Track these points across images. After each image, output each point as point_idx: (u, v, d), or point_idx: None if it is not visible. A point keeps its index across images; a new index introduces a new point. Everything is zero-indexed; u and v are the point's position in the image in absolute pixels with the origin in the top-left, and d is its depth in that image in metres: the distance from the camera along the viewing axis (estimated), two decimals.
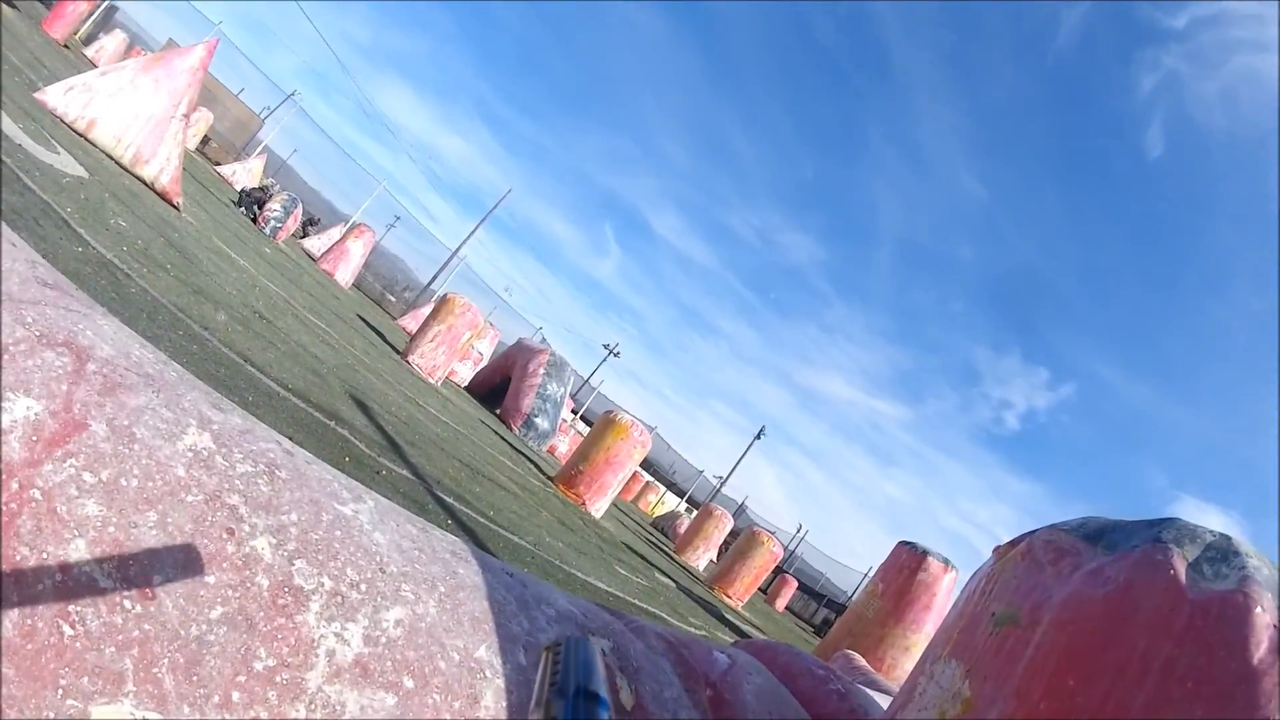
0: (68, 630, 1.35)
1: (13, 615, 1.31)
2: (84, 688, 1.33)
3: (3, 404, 1.43)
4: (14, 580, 1.32)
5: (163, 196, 10.73)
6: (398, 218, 55.19)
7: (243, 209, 26.64)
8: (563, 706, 0.62)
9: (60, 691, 1.31)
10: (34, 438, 1.44)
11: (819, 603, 60.06)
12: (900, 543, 10.65)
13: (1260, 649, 1.58)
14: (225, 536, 1.57)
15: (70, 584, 1.37)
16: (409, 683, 1.70)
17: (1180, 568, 1.74)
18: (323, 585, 1.67)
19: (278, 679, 1.52)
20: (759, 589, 27.49)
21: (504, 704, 1.87)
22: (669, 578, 13.79)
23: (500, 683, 1.89)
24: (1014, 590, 2.01)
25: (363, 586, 1.75)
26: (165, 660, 1.41)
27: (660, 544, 24.08)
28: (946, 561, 10.20)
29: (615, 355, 69.14)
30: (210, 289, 7.66)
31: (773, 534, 21.74)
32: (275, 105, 53.74)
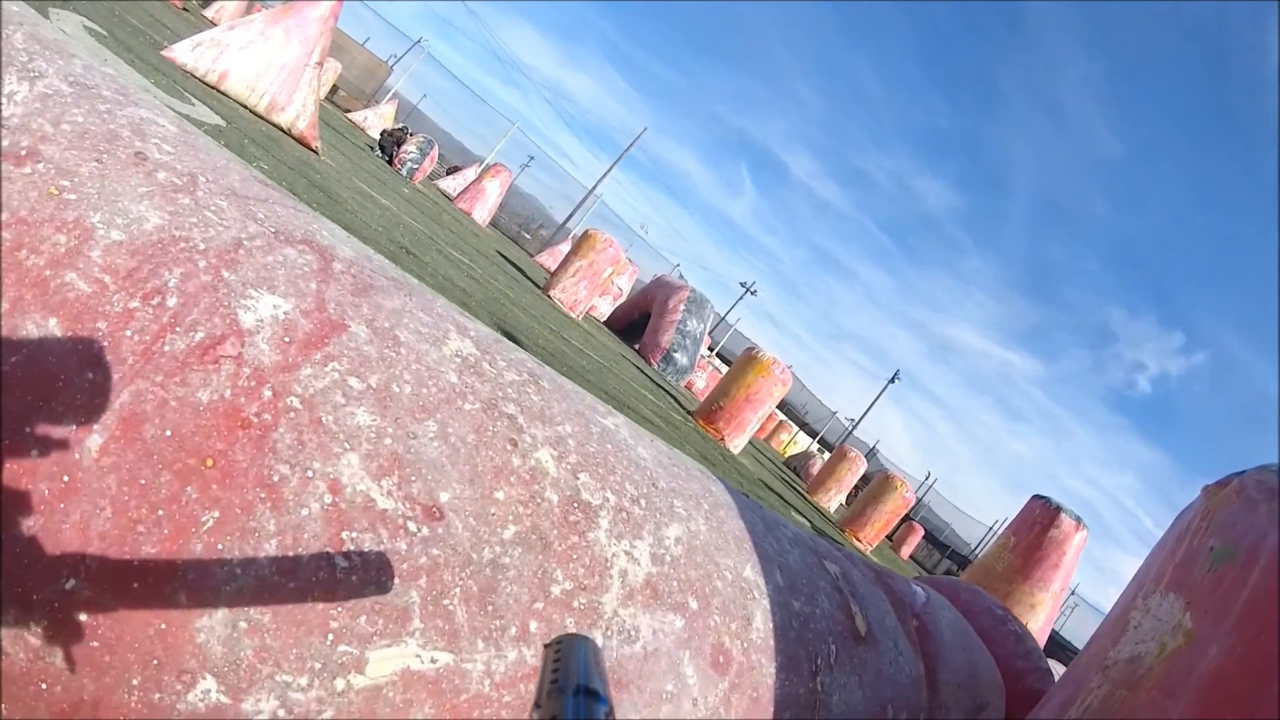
0: (341, 562, 1.19)
1: (270, 548, 1.15)
2: (360, 629, 1.18)
3: (243, 300, 1.28)
4: (271, 505, 1.16)
5: (301, 141, 10.79)
6: (531, 158, 55.68)
7: (382, 151, 26.91)
8: (564, 704, 0.63)
9: (330, 636, 1.16)
10: (287, 339, 1.28)
11: (942, 553, 59.88)
12: (1034, 496, 10.43)
13: None
14: (509, 448, 1.44)
15: (343, 506, 1.22)
16: (693, 604, 1.61)
17: None
18: (608, 501, 1.55)
19: (575, 604, 1.40)
20: (886, 536, 27.40)
21: (770, 625, 1.79)
22: (804, 517, 13.72)
23: (766, 604, 1.81)
24: (1230, 528, 1.96)
25: (642, 502, 1.63)
26: (457, 589, 1.27)
27: (794, 483, 24.09)
28: (1079, 520, 9.96)
29: (752, 294, 69.06)
30: (357, 226, 7.67)
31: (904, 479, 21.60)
32: (403, 53, 54.28)
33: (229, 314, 1.25)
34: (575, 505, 1.47)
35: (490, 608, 1.29)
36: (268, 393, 1.22)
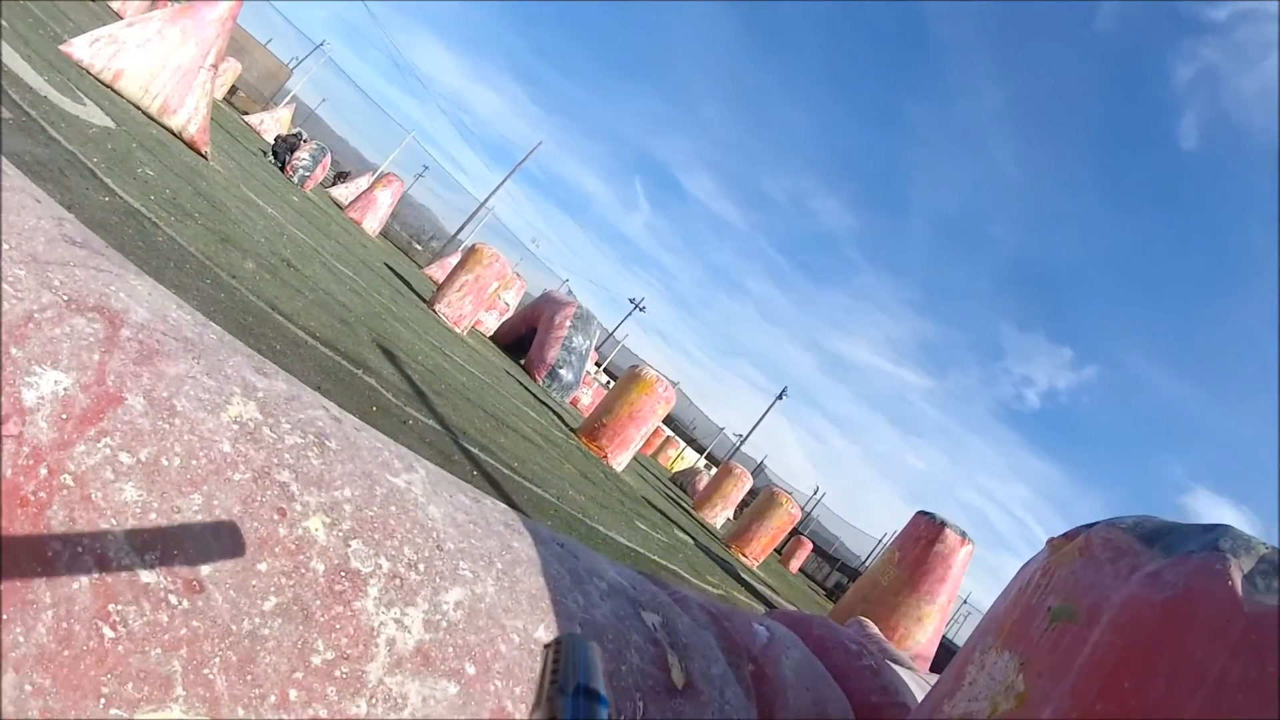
0: (108, 632, 1.23)
1: (47, 618, 1.19)
2: (128, 694, 1.22)
3: (27, 379, 1.31)
4: (46, 579, 1.20)
5: (190, 146, 10.69)
6: (426, 168, 55.36)
7: (275, 158, 26.64)
8: (564, 705, 0.63)
9: (103, 700, 1.20)
10: (64, 415, 1.31)
11: (832, 566, 60.41)
12: (919, 512, 10.62)
13: None
14: (276, 518, 1.46)
15: (109, 580, 1.25)
16: (471, 669, 1.62)
17: (1237, 578, 1.73)
18: (380, 567, 1.57)
19: (337, 673, 1.41)
20: (775, 549, 27.54)
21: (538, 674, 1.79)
22: (688, 534, 13.83)
23: None
24: (1072, 586, 1.99)
25: (421, 566, 1.65)
26: (216, 659, 1.30)
27: (679, 500, 24.21)
28: (964, 534, 10.17)
29: (641, 310, 69.26)
30: (238, 237, 7.61)
31: (790, 495, 21.76)
32: (304, 56, 53.79)
33: (14, 393, 1.28)
34: (343, 574, 1.49)
35: (249, 677, 1.32)
36: (44, 471, 1.25)
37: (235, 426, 1.52)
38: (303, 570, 1.44)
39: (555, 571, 2.02)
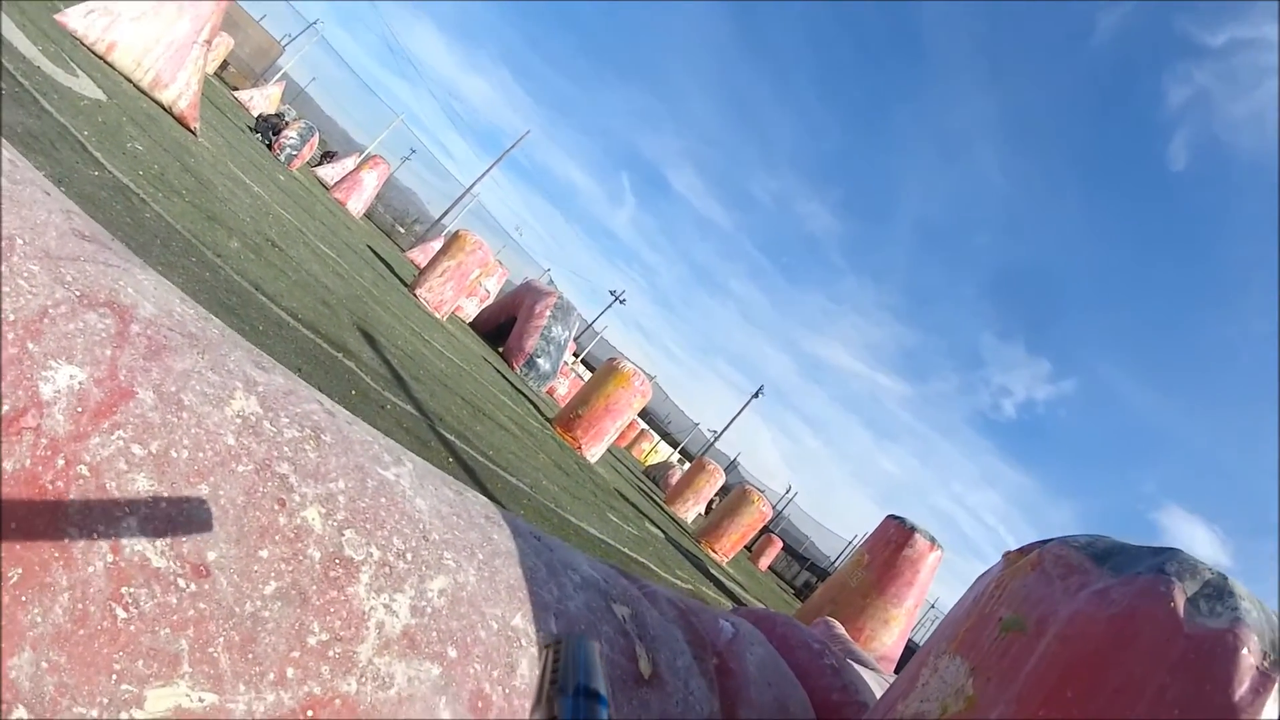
0: (121, 613, 1.31)
1: (64, 600, 1.27)
2: (138, 671, 1.30)
3: (44, 373, 1.38)
4: (63, 563, 1.28)
5: (180, 121, 10.68)
6: (413, 151, 55.04)
7: (259, 135, 26.53)
8: (564, 705, 0.63)
9: (114, 676, 1.28)
10: (79, 409, 1.39)
11: (802, 565, 60.40)
12: (889, 516, 10.64)
13: (1243, 688, 1.66)
14: (277, 508, 1.55)
15: (123, 564, 1.34)
16: (452, 653, 1.70)
17: (1180, 601, 1.79)
18: (371, 555, 1.65)
19: (330, 653, 1.50)
20: (745, 546, 27.55)
21: (538, 673, 1.83)
22: (658, 528, 13.87)
23: (534, 651, 1.90)
24: (1023, 598, 2.04)
25: (408, 556, 1.73)
26: (221, 639, 1.39)
27: (651, 493, 24.26)
28: (933, 540, 10.21)
29: (621, 302, 68.89)
30: (224, 215, 7.65)
31: (762, 493, 21.78)
32: (297, 33, 53.45)
33: (31, 386, 1.35)
34: (337, 561, 1.57)
35: (251, 655, 1.40)
36: (61, 462, 1.33)
37: (238, 420, 1.60)
38: (300, 557, 1.53)
39: (532, 563, 2.10)
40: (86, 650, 1.27)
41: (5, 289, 1.42)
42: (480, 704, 1.72)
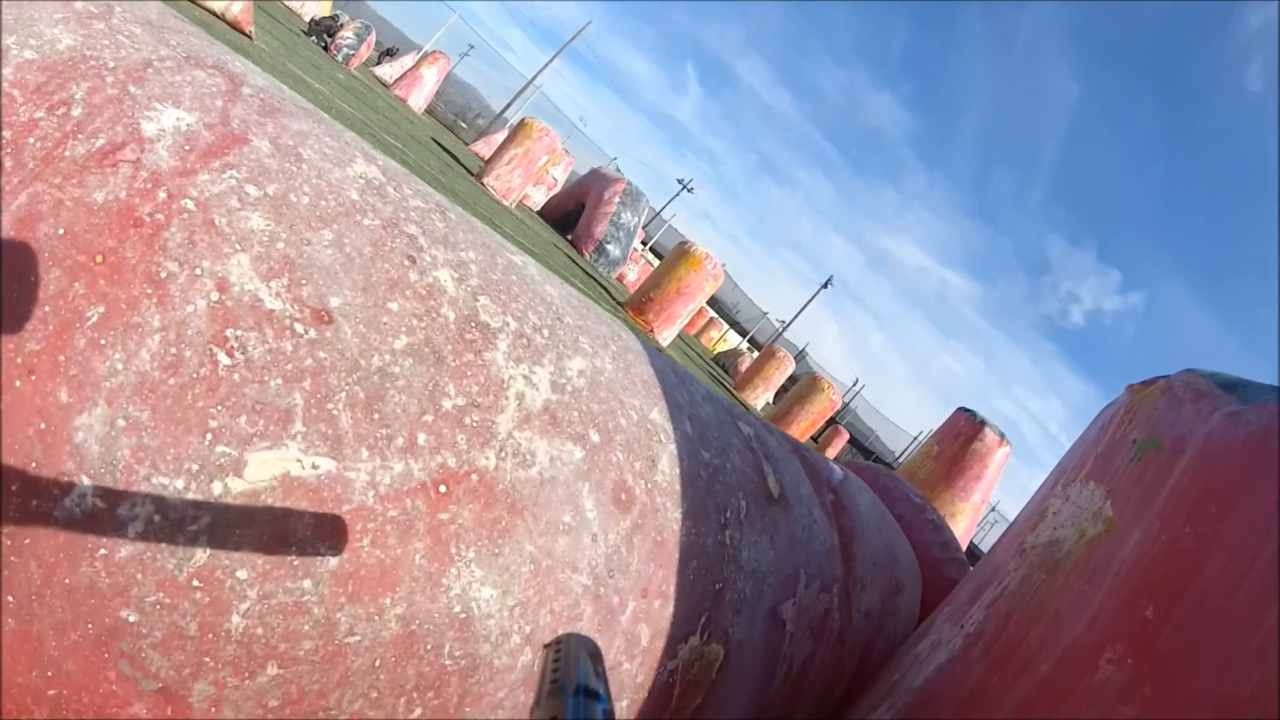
0: (224, 359, 1.17)
1: (152, 344, 1.12)
2: (240, 429, 1.16)
3: (146, 113, 1.26)
4: (156, 301, 1.14)
5: (234, 26, 10.61)
6: (471, 46, 54.89)
7: (314, 38, 26.47)
8: (564, 705, 0.64)
9: (209, 436, 1.14)
10: (186, 147, 1.25)
11: (866, 458, 60.48)
12: (960, 409, 10.54)
13: None
14: (407, 264, 1.41)
15: (229, 304, 1.19)
16: (595, 436, 1.58)
17: None
18: (508, 325, 1.52)
19: (467, 420, 1.37)
20: (811, 437, 27.54)
21: (677, 471, 1.78)
22: None
23: (673, 449, 1.80)
24: (1156, 421, 2.01)
25: (545, 332, 1.61)
26: (343, 394, 1.25)
27: (722, 380, 24.29)
28: (1002, 436, 10.09)
29: (689, 190, 68.59)
30: None
31: (832, 382, 21.73)
32: None
33: (131, 123, 1.23)
34: (473, 325, 1.45)
35: (376, 415, 1.27)
36: (163, 195, 1.20)
37: (361, 180, 1.48)
38: (434, 315, 1.40)
39: (660, 366, 2.00)
40: (177, 404, 1.13)
41: (104, 42, 1.32)
42: (624, 496, 1.61)
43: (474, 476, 1.35)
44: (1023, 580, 2.07)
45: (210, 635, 1.14)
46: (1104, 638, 1.74)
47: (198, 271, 1.18)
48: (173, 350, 1.14)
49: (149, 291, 1.14)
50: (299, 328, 1.24)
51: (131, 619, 1.10)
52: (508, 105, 49.08)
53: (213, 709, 1.17)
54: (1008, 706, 1.86)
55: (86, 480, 1.07)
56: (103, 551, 1.08)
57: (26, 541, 1.06)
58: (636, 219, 22.37)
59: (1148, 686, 1.65)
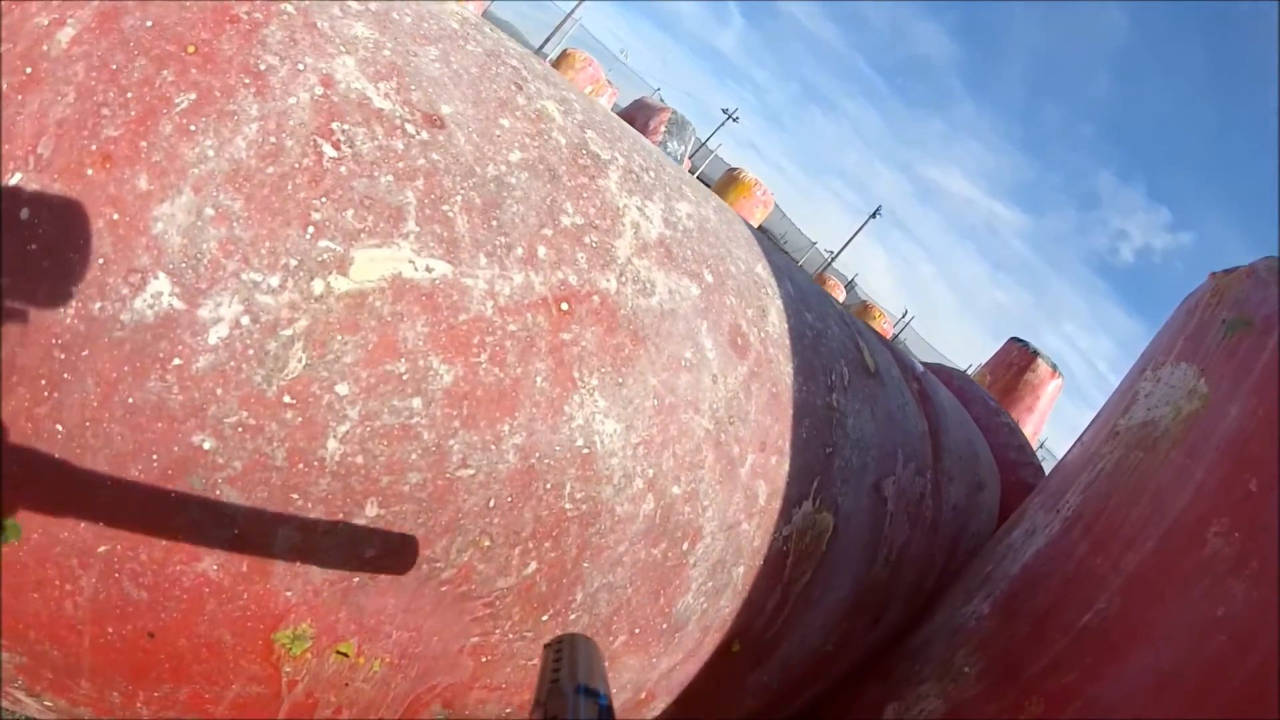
0: (330, 151, 1.08)
1: (250, 132, 1.04)
2: (346, 224, 1.07)
3: None
4: (255, 91, 1.06)
5: None
6: None
7: None
8: (565, 704, 0.66)
9: (311, 229, 1.05)
10: None
11: None
12: (1012, 339, 10.39)
13: None
14: (514, 89, 1.35)
15: (335, 99, 1.11)
16: (709, 277, 1.53)
17: None
18: (617, 159, 1.46)
19: (586, 239, 1.30)
20: None
21: (785, 326, 1.72)
22: None
23: (780, 304, 1.74)
24: (1244, 301, 2.04)
25: (652, 173, 1.55)
26: (458, 198, 1.17)
27: None
28: (1054, 367, 9.93)
29: (734, 120, 68.02)
30: None
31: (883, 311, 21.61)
32: None
33: None
34: (584, 152, 1.38)
35: (494, 223, 1.19)
36: None
37: (459, 16, 1.42)
38: (545, 136, 1.33)
39: (756, 234, 1.95)
40: (275, 194, 1.04)
41: None
42: (739, 341, 1.55)
43: (596, 298, 1.28)
44: (1119, 461, 2.07)
45: (301, 465, 1.04)
46: (1209, 511, 1.76)
47: (300, 67, 1.11)
48: (272, 139, 1.05)
49: (246, 81, 1.06)
50: (410, 128, 1.16)
51: (207, 445, 1.00)
52: (547, 39, 48.79)
53: (297, 561, 1.08)
54: (1114, 584, 1.87)
55: (163, 277, 0.97)
56: (177, 362, 0.98)
57: (84, 354, 0.95)
58: (683, 148, 22.20)
59: (1255, 560, 1.67)
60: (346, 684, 1.20)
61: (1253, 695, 1.64)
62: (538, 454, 1.19)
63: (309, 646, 1.12)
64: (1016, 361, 10.21)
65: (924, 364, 3.75)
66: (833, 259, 66.32)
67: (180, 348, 0.97)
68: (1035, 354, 10.07)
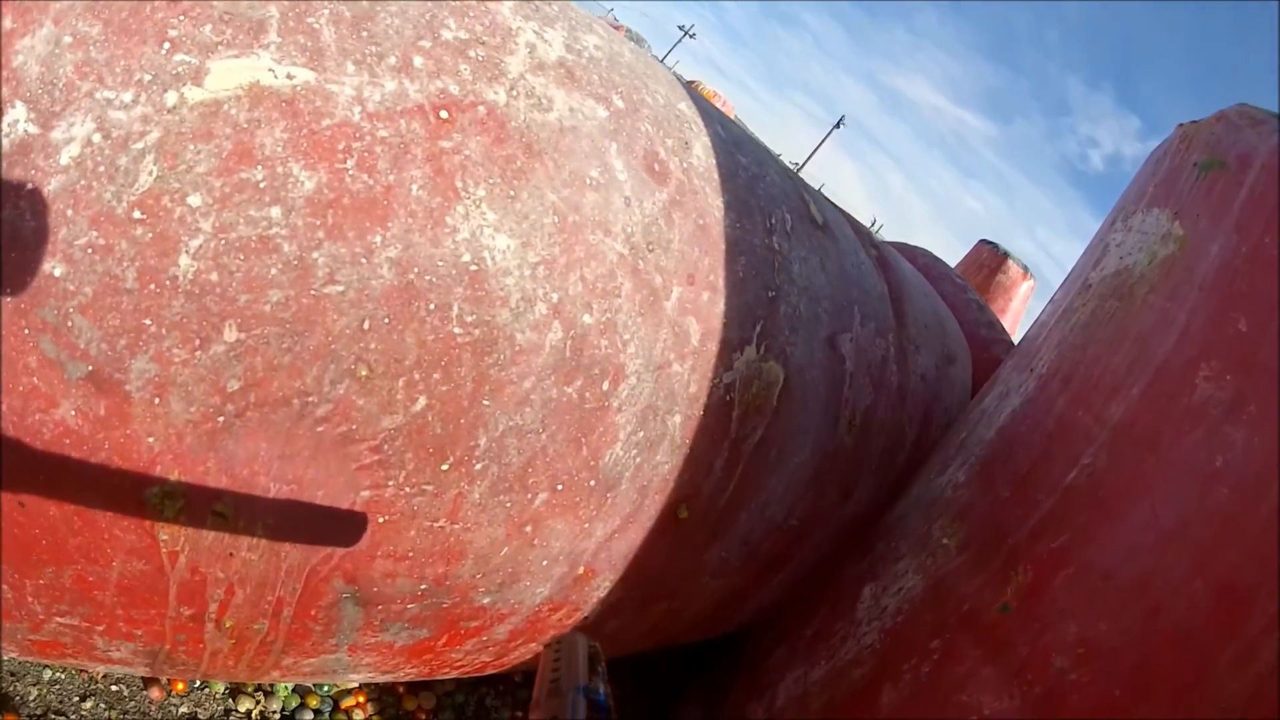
0: None
1: None
2: (203, 38, 1.03)
3: None
4: None
5: None
6: None
7: None
8: (564, 704, 0.65)
9: (166, 45, 1.00)
10: None
11: None
12: (981, 241, 10.33)
13: None
14: None
15: None
16: (619, 102, 1.46)
17: None
18: None
19: (471, 53, 1.24)
20: None
21: (713, 161, 1.66)
22: None
23: (706, 140, 1.68)
24: (1216, 143, 2.01)
25: (555, 7, 1.49)
26: (325, 11, 1.11)
27: None
28: (1026, 269, 9.88)
29: (691, 36, 67.77)
30: None
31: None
32: None
33: None
34: None
35: (365, 33, 1.14)
36: None
37: None
38: None
39: (687, 90, 1.87)
40: (134, 17, 0.99)
41: None
42: (656, 167, 1.49)
43: (481, 108, 1.22)
44: (1094, 312, 2.05)
45: (152, 286, 1.00)
46: (1197, 353, 1.74)
47: None
48: None
49: None
50: None
51: (58, 272, 0.96)
52: None
53: (155, 399, 1.03)
54: (1099, 437, 1.84)
55: (20, 105, 0.94)
56: (29, 187, 0.94)
57: None
58: None
59: (1253, 404, 1.63)
60: (231, 554, 1.14)
61: (1266, 550, 1.58)
62: (416, 269, 1.14)
63: (181, 506, 1.06)
64: (987, 263, 10.15)
65: (888, 243, 3.67)
66: (799, 169, 66.38)
67: (34, 172, 0.95)
68: (1005, 255, 10.02)
